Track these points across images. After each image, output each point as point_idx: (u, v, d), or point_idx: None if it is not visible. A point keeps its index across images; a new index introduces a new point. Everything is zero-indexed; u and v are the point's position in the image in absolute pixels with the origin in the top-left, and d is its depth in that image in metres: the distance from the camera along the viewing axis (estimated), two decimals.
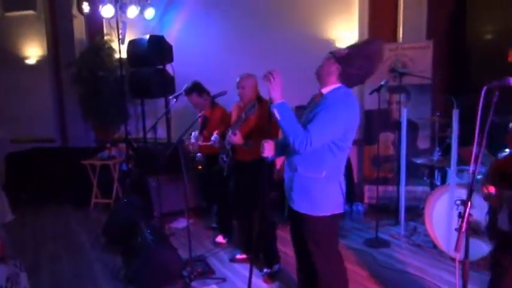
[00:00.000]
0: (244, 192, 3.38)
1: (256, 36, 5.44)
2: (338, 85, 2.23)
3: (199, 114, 3.54)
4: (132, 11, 5.50)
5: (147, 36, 5.09)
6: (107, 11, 5.29)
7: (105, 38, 6.28)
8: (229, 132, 3.20)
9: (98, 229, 4.43)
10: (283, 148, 2.37)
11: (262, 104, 3.26)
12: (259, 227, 3.24)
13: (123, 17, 5.54)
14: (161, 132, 5.61)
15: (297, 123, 2.14)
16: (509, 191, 1.77)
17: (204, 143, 3.96)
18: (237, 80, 3.39)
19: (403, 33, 5.15)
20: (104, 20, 6.19)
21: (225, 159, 3.45)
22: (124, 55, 5.50)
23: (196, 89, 4.03)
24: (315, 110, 2.20)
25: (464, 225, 1.55)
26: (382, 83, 3.96)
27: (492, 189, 1.92)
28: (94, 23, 6.40)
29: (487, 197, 1.95)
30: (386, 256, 3.73)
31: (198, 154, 4.68)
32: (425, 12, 5.09)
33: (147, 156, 5.05)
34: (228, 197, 3.99)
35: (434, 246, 3.72)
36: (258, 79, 3.34)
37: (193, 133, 4.02)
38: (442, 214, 3.57)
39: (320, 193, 2.24)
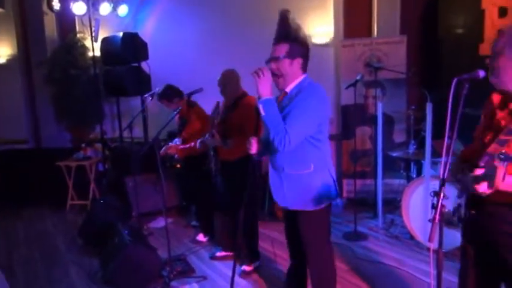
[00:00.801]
0: (230, 191, 3.37)
1: (231, 33, 5.41)
2: (301, 78, 2.22)
3: (176, 112, 3.50)
4: (105, 8, 5.38)
5: (121, 34, 5.00)
6: (78, 8, 5.17)
7: (78, 35, 6.13)
8: (206, 136, 3.18)
9: (74, 231, 4.35)
10: (266, 146, 2.32)
11: (243, 102, 3.24)
12: (245, 225, 3.25)
13: (95, 14, 5.42)
14: (138, 132, 5.53)
15: (281, 121, 2.08)
16: (463, 175, 1.76)
17: (183, 147, 3.92)
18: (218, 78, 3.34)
19: (377, 29, 5.21)
20: (75, 18, 6.05)
21: (210, 161, 3.43)
22: (97, 53, 5.39)
23: (166, 95, 3.97)
24: (284, 107, 2.17)
25: (437, 216, 1.57)
26: (358, 77, 4.00)
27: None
28: (65, 20, 6.25)
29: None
30: (364, 249, 3.78)
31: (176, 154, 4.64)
32: (398, 7, 5.16)
33: (124, 156, 4.97)
34: (209, 195, 3.98)
35: (411, 238, 3.79)
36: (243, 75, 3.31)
37: (175, 140, 3.99)
38: (418, 206, 3.64)
39: (313, 187, 2.23)
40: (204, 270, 3.50)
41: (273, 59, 2.18)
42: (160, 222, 4.67)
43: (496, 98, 1.76)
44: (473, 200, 1.72)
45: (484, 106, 1.90)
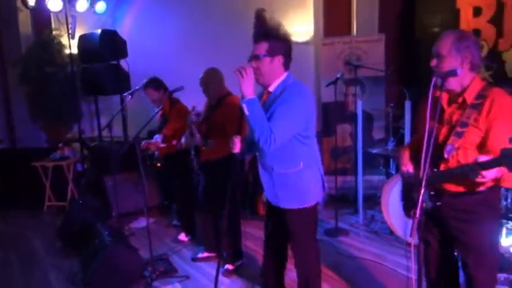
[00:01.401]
0: (212, 190, 3.35)
1: (212, 31, 5.38)
2: (283, 76, 2.22)
3: (157, 110, 3.46)
4: (82, 5, 5.28)
5: (99, 31, 4.90)
6: (54, 4, 5.05)
7: (54, 33, 5.97)
8: (185, 134, 3.16)
9: (52, 233, 4.25)
10: (251, 145, 2.33)
11: (226, 101, 3.22)
12: (228, 224, 3.24)
13: (72, 10, 5.31)
14: (117, 131, 5.45)
15: (266, 121, 2.07)
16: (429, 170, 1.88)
17: (163, 145, 3.88)
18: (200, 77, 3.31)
19: (356, 27, 5.27)
20: (51, 14, 5.90)
21: (191, 160, 3.41)
22: (75, 50, 5.27)
23: (153, 82, 3.93)
24: (268, 107, 2.17)
25: (418, 211, 1.61)
26: (338, 75, 4.04)
27: (410, 168, 2.06)
28: (41, 17, 6.07)
29: (405, 175, 2.10)
30: (346, 245, 3.83)
31: (156, 152, 4.59)
32: (377, 6, 5.23)
33: (103, 155, 4.88)
34: (190, 195, 3.96)
35: (391, 233, 3.85)
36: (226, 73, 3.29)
37: (155, 137, 3.94)
38: (397, 201, 3.67)
39: (304, 185, 2.25)
40: (186, 270, 3.48)
41: (253, 57, 2.18)
42: (141, 222, 4.62)
43: (440, 95, 1.85)
44: (436, 193, 1.83)
45: (425, 103, 2.01)
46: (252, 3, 5.29)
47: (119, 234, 3.55)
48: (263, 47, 2.16)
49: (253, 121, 2.07)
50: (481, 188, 1.83)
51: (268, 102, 2.21)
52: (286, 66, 2.23)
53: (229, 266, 3.37)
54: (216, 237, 3.56)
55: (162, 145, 3.88)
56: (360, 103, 4.14)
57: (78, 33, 5.30)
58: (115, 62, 5.08)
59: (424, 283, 1.83)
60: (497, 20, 4.20)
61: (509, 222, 3.36)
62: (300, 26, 5.25)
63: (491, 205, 1.91)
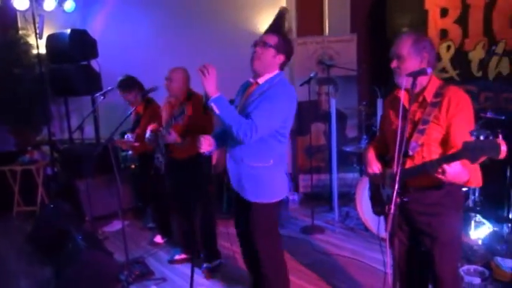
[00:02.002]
0: (184, 190, 3.32)
1: (185, 29, 5.34)
2: (275, 73, 2.28)
3: (131, 111, 3.41)
4: (49, 3, 5.12)
5: (68, 31, 4.78)
6: (20, 3, 4.88)
7: (20, 32, 5.77)
8: (163, 132, 3.11)
9: (22, 239, 4.11)
10: (222, 140, 2.38)
11: (193, 100, 3.21)
12: (202, 224, 3.23)
13: (39, 9, 5.15)
14: (89, 132, 5.32)
15: (238, 114, 2.18)
16: (390, 170, 2.02)
17: (137, 144, 3.83)
18: (167, 73, 3.28)
19: (328, 27, 5.35)
20: (17, 13, 5.70)
21: (160, 159, 3.35)
22: (43, 51, 5.12)
23: (126, 82, 3.87)
24: (254, 99, 2.22)
25: (392, 207, 1.66)
26: (312, 75, 4.09)
27: (376, 168, 2.12)
28: (6, 16, 5.84)
29: (371, 175, 2.18)
30: (322, 242, 3.88)
31: (130, 152, 4.52)
32: (348, 6, 5.32)
33: (75, 158, 4.76)
34: (164, 195, 3.91)
35: (366, 229, 3.93)
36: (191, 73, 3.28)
37: (126, 136, 3.87)
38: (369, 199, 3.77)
39: (269, 181, 2.32)
40: (163, 272, 3.45)
41: (262, 42, 2.23)
42: (115, 226, 4.54)
43: (402, 95, 1.93)
44: (403, 189, 1.88)
45: (388, 102, 2.17)
46: (227, 4, 5.34)
47: (93, 239, 3.47)
48: (274, 39, 2.23)
49: (226, 117, 2.13)
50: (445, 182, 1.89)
51: (254, 94, 2.27)
52: (282, 67, 2.32)
53: (207, 265, 3.36)
54: (189, 238, 3.54)
55: (136, 143, 3.82)
56: (333, 102, 4.21)
57: (46, 33, 5.14)
58: (85, 62, 4.97)
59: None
60: (463, 21, 4.34)
61: (477, 215, 3.50)
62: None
63: (455, 197, 1.99)
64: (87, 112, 4.53)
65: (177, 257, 3.62)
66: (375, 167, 2.14)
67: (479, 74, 4.25)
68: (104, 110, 5.28)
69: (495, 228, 3.46)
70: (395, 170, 1.73)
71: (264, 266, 2.42)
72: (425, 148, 1.89)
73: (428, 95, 1.92)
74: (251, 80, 2.35)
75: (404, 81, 1.84)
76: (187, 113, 2.99)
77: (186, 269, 3.48)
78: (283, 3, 5.29)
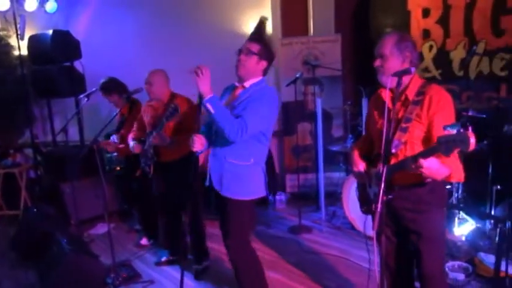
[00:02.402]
0: (173, 192, 3.30)
1: (169, 30, 5.30)
2: (259, 78, 2.41)
3: (116, 113, 3.37)
4: (31, 4, 5.04)
5: (50, 31, 4.70)
6: (0, 3, 4.79)
7: (1, 33, 5.67)
8: (153, 134, 3.08)
9: (5, 243, 4.03)
10: (207, 139, 2.46)
11: (179, 99, 3.19)
12: (191, 225, 3.22)
13: (20, 10, 5.06)
14: (73, 134, 5.25)
15: (230, 114, 2.27)
16: (375, 169, 2.05)
17: (122, 146, 3.79)
18: (146, 76, 3.25)
19: (313, 27, 5.38)
20: None
21: (148, 162, 3.30)
22: (24, 52, 5.03)
23: (109, 84, 3.83)
24: (242, 101, 2.34)
25: (379, 205, 1.69)
26: (298, 75, 4.11)
27: (362, 167, 2.17)
28: None
29: (357, 175, 2.23)
30: (310, 241, 3.90)
31: (114, 153, 4.47)
32: (332, 6, 5.36)
33: (59, 160, 4.69)
34: (151, 198, 3.88)
35: (353, 227, 3.97)
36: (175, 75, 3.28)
37: (112, 137, 3.83)
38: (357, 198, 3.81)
39: (248, 179, 2.43)
40: (150, 275, 3.43)
41: (245, 51, 2.35)
42: (100, 229, 4.49)
43: (385, 94, 1.98)
44: (388, 187, 1.90)
45: (372, 101, 2.21)
46: (212, 5, 5.33)
47: (78, 242, 3.43)
48: (257, 47, 2.35)
49: (220, 117, 2.22)
50: (427, 179, 1.93)
51: (241, 96, 2.38)
52: (265, 72, 2.45)
53: (196, 267, 3.34)
54: (179, 239, 3.52)
55: (121, 145, 3.78)
56: (319, 102, 4.23)
57: (27, 34, 5.06)
58: (68, 64, 4.90)
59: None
60: (444, 21, 4.42)
61: (461, 212, 3.57)
62: None
63: (439, 194, 2.04)
64: (71, 114, 4.48)
65: (164, 259, 3.59)
66: (360, 165, 2.18)
67: (461, 74, 4.33)
68: (87, 112, 5.22)
69: (478, 225, 3.53)
70: (380, 168, 1.75)
71: (232, 252, 2.52)
72: (408, 146, 1.93)
73: (411, 94, 1.96)
74: (236, 83, 2.47)
75: (389, 81, 1.87)
76: (180, 111, 2.97)
77: (173, 271, 3.47)
78: (268, 4, 5.31)
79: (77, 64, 5.00)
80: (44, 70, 4.85)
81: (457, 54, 4.35)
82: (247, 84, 2.40)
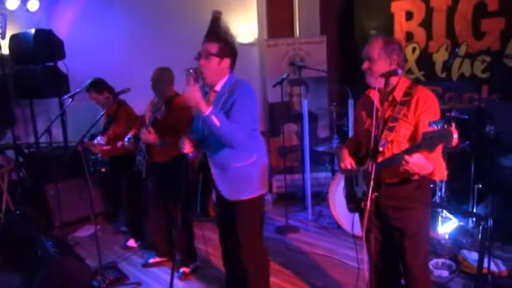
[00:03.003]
0: (166, 193, 3.29)
1: (155, 29, 5.26)
2: (227, 76, 2.33)
3: (102, 113, 3.34)
4: (12, 2, 4.92)
5: (33, 31, 4.61)
6: None
7: None
8: (142, 131, 3.08)
9: None
10: (203, 144, 2.41)
11: (176, 102, 3.19)
12: (181, 227, 3.20)
13: (1, 8, 4.94)
14: (56, 136, 5.16)
15: (229, 122, 2.17)
16: (362, 167, 2.09)
17: (107, 147, 3.75)
18: (151, 74, 3.24)
19: (299, 29, 5.43)
20: None
21: (141, 161, 3.30)
22: (6, 51, 4.92)
23: (95, 86, 3.79)
24: (217, 105, 2.25)
25: (368, 203, 1.72)
26: (284, 76, 4.14)
27: (349, 164, 2.19)
28: None
29: (344, 171, 2.25)
30: (297, 241, 3.93)
31: (99, 155, 4.43)
32: (317, 9, 5.42)
33: (42, 162, 4.61)
34: (138, 199, 3.86)
35: (339, 227, 4.02)
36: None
37: (96, 139, 3.79)
38: (343, 197, 3.85)
39: (255, 176, 2.36)
40: (137, 276, 3.40)
41: (204, 55, 2.25)
42: (86, 231, 4.44)
43: (373, 94, 2.03)
44: (377, 185, 1.94)
45: (360, 103, 2.25)
46: (198, 4, 5.31)
47: (63, 244, 3.38)
48: (214, 47, 2.25)
49: (224, 127, 2.13)
50: (414, 177, 1.99)
51: (217, 100, 2.30)
52: (231, 68, 2.36)
53: (185, 269, 3.33)
54: (167, 241, 3.51)
55: (107, 147, 3.74)
56: (305, 103, 4.26)
57: (9, 33, 4.95)
58: (51, 64, 4.82)
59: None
60: (427, 24, 4.52)
61: (444, 211, 3.65)
62: (245, 27, 5.31)
63: (424, 192, 2.09)
64: (54, 115, 4.40)
65: (151, 260, 3.57)
66: (347, 161, 2.20)
67: (443, 75, 4.43)
68: (71, 113, 5.13)
69: (461, 223, 3.61)
70: (369, 167, 1.79)
71: (246, 261, 2.45)
72: (395, 144, 1.98)
73: (398, 95, 2.02)
74: (206, 89, 2.37)
75: (378, 82, 1.91)
76: (163, 109, 2.98)
77: (161, 272, 3.45)
78: (254, 6, 5.34)
79: (60, 64, 4.92)
80: (27, 70, 4.76)
81: (440, 57, 4.45)
82: (218, 87, 2.32)
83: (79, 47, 5.09)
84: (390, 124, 1.97)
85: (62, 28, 5.21)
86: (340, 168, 2.26)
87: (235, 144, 2.19)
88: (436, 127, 1.57)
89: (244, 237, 2.41)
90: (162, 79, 3.22)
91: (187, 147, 2.34)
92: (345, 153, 2.25)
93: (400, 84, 2.04)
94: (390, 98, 2.03)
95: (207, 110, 2.09)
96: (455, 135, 1.50)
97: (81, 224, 4.55)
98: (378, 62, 2.01)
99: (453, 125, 1.51)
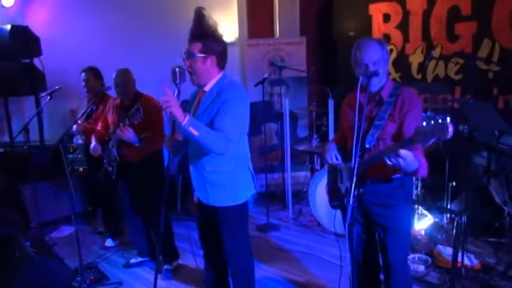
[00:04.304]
0: (141, 192, 3.26)
1: (133, 27, 5.20)
2: (218, 76, 2.23)
3: (86, 110, 3.30)
4: None
5: (8, 27, 4.49)
6: None
7: None
8: (116, 135, 3.05)
9: None
10: (183, 147, 2.35)
11: (143, 100, 3.16)
12: (161, 226, 3.17)
13: None
14: (32, 134, 5.04)
15: (211, 130, 2.05)
16: (348, 164, 2.13)
17: (90, 126, 3.67)
18: (114, 76, 3.18)
19: (279, 30, 5.49)
20: None
21: (112, 163, 3.25)
22: None
23: (96, 70, 3.86)
24: (206, 107, 2.18)
25: (351, 198, 1.77)
26: (266, 76, 4.17)
27: (333, 157, 2.24)
28: None
29: (332, 164, 2.29)
30: (278, 239, 3.98)
31: (79, 156, 4.36)
32: (297, 10, 5.49)
33: (18, 161, 4.50)
34: (115, 198, 3.82)
35: (318, 224, 4.08)
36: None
37: (75, 138, 3.74)
38: (323, 195, 3.90)
39: (234, 183, 2.27)
40: (118, 276, 3.38)
41: (187, 56, 2.18)
42: (63, 231, 4.36)
43: (360, 94, 2.04)
44: (361, 181, 1.99)
45: (347, 100, 2.31)
46: (179, 5, 5.28)
47: (42, 245, 3.32)
48: (197, 46, 2.17)
49: (204, 137, 2.01)
50: (397, 175, 2.06)
51: (204, 102, 2.22)
52: (221, 66, 2.24)
53: (167, 268, 3.33)
54: (147, 240, 3.49)
55: (87, 124, 3.70)
56: (286, 102, 4.31)
57: None
58: (27, 61, 4.71)
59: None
60: (403, 27, 4.64)
61: (420, 208, 3.76)
62: (225, 27, 5.31)
63: (406, 190, 2.17)
64: (29, 113, 4.29)
65: (132, 260, 3.55)
66: (332, 154, 2.24)
67: (419, 77, 4.57)
68: (47, 112, 5.02)
69: (436, 219, 3.74)
70: (352, 163, 1.84)
71: (233, 264, 2.43)
72: (381, 142, 2.05)
73: (385, 94, 2.09)
74: (199, 88, 2.31)
75: (361, 81, 1.97)
76: (142, 113, 2.97)
77: (142, 271, 3.43)
78: (234, 6, 5.36)
79: (37, 61, 4.81)
80: (1, 67, 4.63)
81: (416, 58, 4.58)
82: (207, 87, 2.22)
83: (55, 44, 4.99)
84: (377, 122, 2.05)
85: (37, 24, 5.09)
86: (326, 161, 2.29)
87: (216, 152, 2.09)
88: (429, 122, 1.62)
89: (227, 241, 2.35)
90: (128, 82, 3.19)
91: (171, 146, 2.29)
92: (332, 146, 2.30)
93: (388, 84, 2.12)
94: (377, 98, 2.10)
95: (183, 120, 1.94)
96: (451, 129, 1.54)
97: (57, 225, 4.46)
98: (382, 63, 2.06)
99: (448, 119, 1.57)
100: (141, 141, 3.05)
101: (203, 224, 2.50)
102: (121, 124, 3.03)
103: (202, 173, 2.27)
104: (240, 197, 2.31)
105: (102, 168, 3.61)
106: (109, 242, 3.99)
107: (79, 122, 3.61)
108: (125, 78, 3.18)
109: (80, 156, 4.60)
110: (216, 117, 2.12)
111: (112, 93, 3.47)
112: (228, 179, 2.26)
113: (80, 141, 3.79)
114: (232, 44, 5.32)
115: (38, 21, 5.23)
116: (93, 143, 3.39)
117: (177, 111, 1.94)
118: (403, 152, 1.74)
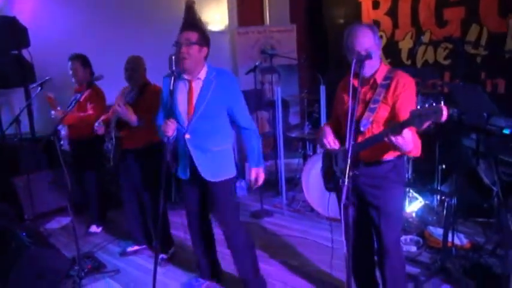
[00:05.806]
0: (138, 181, 3.28)
1: (123, 18, 5.17)
2: (206, 65, 2.44)
3: (74, 100, 3.29)
4: None
5: None
6: None
7: None
8: (115, 106, 3.07)
9: None
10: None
11: (150, 88, 3.19)
12: (157, 214, 3.20)
13: None
14: (23, 126, 5.00)
15: (256, 145, 2.62)
16: (343, 147, 2.17)
17: (72, 114, 3.61)
18: (126, 63, 3.22)
19: (269, 17, 5.48)
20: None
21: (109, 146, 3.27)
22: None
23: (83, 58, 3.83)
24: (207, 93, 2.37)
25: (346, 180, 1.81)
26: (257, 63, 4.19)
27: (332, 142, 2.24)
28: None
29: (326, 146, 2.30)
30: (272, 224, 4.04)
31: (66, 146, 4.32)
32: None
33: (10, 153, 4.46)
34: (101, 182, 3.94)
35: (312, 210, 4.14)
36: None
37: (60, 127, 3.71)
38: (316, 181, 3.97)
39: (230, 159, 2.59)
40: (115, 264, 3.40)
41: (185, 43, 2.30)
42: (57, 222, 4.36)
43: (354, 78, 2.07)
44: (354, 163, 1.99)
45: (342, 84, 2.34)
46: None
47: (38, 235, 3.32)
48: (194, 36, 2.33)
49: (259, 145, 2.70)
50: (390, 157, 2.12)
51: (205, 89, 2.39)
52: (206, 58, 2.45)
53: (162, 256, 3.35)
54: (144, 228, 3.51)
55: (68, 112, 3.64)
56: (278, 90, 4.33)
57: None
58: (16, 52, 4.65)
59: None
60: (393, 13, 4.68)
61: (411, 190, 3.84)
62: (215, 15, 5.30)
63: (399, 172, 2.21)
64: (18, 105, 4.25)
65: (129, 249, 3.57)
66: (330, 138, 2.24)
67: (409, 62, 4.62)
68: (36, 103, 4.98)
69: (426, 202, 3.82)
70: (346, 144, 1.87)
71: (235, 239, 2.64)
72: (375, 125, 2.09)
73: (379, 78, 2.13)
74: (185, 76, 2.40)
75: (353, 65, 1.99)
76: (134, 93, 3.06)
77: (139, 259, 3.47)
78: None
79: (25, 52, 4.75)
80: None
81: (405, 44, 4.63)
82: (201, 75, 2.40)
83: (43, 35, 4.93)
84: (371, 105, 2.08)
85: (25, 15, 5.02)
86: (322, 144, 2.29)
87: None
88: (423, 106, 1.65)
89: (229, 216, 2.58)
90: (138, 68, 3.21)
91: (171, 130, 2.34)
92: (328, 129, 2.29)
93: (381, 68, 2.15)
94: (371, 81, 2.14)
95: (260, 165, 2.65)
96: (445, 112, 1.58)
97: (51, 216, 4.46)
98: (376, 50, 2.08)
99: (442, 102, 1.61)
100: (139, 121, 3.05)
101: (198, 205, 2.72)
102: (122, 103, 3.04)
103: (208, 152, 2.47)
104: (234, 171, 2.60)
105: (92, 152, 3.63)
106: (93, 228, 4.06)
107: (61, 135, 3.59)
108: (134, 63, 3.20)
109: (66, 146, 4.56)
110: (235, 110, 2.49)
111: (100, 83, 3.45)
112: (227, 155, 2.55)
113: (63, 133, 3.78)
114: (222, 32, 5.32)
115: (25, 12, 5.15)
116: (97, 123, 3.36)
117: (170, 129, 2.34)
118: (405, 131, 1.77)
